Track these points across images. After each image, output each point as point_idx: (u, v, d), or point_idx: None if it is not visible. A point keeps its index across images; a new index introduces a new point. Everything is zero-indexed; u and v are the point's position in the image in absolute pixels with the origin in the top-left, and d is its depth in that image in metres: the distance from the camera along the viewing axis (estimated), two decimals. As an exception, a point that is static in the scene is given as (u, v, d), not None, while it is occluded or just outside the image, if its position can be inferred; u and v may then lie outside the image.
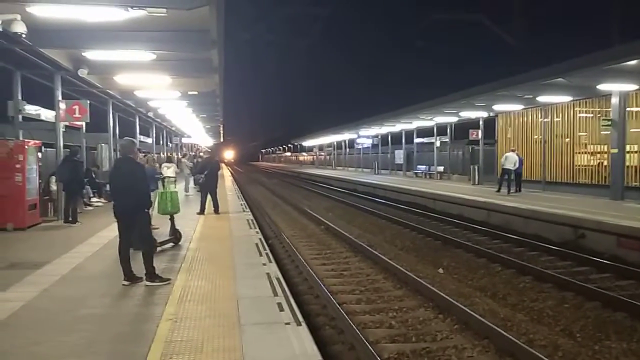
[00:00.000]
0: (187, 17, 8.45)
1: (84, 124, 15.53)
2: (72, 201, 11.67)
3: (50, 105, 13.30)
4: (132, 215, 6.60)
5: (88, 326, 4.95)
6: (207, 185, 14.15)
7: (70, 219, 11.50)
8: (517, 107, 20.72)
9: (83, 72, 11.78)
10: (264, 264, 7.66)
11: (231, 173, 51.70)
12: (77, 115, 12.27)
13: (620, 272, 9.38)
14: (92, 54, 10.33)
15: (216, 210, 14.01)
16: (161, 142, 33.49)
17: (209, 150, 19.25)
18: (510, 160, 18.61)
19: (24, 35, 7.91)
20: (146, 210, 6.88)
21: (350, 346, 6.13)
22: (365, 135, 41.64)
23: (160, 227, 9.99)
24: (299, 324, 4.95)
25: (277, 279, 6.74)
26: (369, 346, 5.85)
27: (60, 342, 4.53)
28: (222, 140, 75.45)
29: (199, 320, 5.07)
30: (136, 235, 6.94)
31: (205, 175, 13.92)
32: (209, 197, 14.20)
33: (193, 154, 23.05)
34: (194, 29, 9.36)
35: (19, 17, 7.73)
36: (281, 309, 5.38)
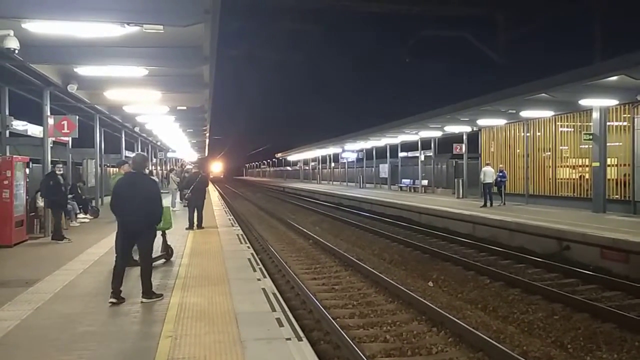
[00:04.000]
0: (181, 33, 8.51)
1: (70, 139, 15.45)
2: (54, 217, 11.49)
3: (36, 120, 13.20)
4: (142, 232, 6.48)
5: (87, 344, 4.90)
6: (194, 200, 14.09)
7: (56, 236, 11.33)
8: (501, 121, 21.12)
9: (72, 88, 11.71)
10: (259, 279, 7.67)
11: (216, 188, 51.40)
12: (65, 130, 12.18)
13: (605, 283, 9.59)
14: (83, 70, 10.29)
15: (199, 225, 13.95)
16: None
17: (197, 164, 19.19)
18: (488, 174, 18.97)
19: (16, 51, 7.88)
20: (155, 226, 6.85)
21: (347, 361, 6.17)
22: (350, 150, 41.92)
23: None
24: (300, 339, 4.97)
25: (274, 294, 6.75)
26: (366, 361, 5.89)
27: (61, 362, 4.49)
28: (207, 154, 75.06)
29: (199, 337, 5.05)
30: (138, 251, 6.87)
31: (191, 190, 13.84)
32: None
33: (180, 168, 22.93)
34: (187, 45, 9.41)
35: (12, 32, 7.71)
36: (281, 325, 5.40)
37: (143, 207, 6.38)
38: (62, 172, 11.52)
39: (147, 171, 7.47)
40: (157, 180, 7.96)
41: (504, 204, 19.23)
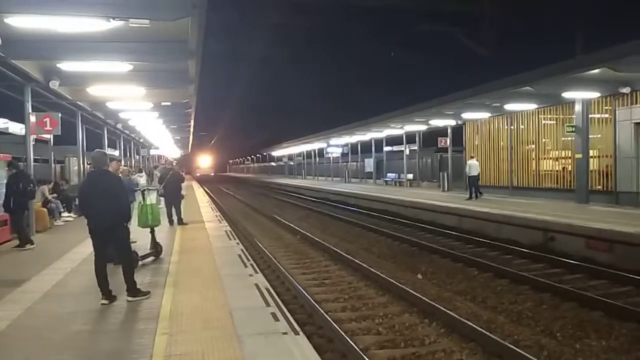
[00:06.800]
0: (167, 27, 8.44)
1: (52, 136, 15.18)
2: (14, 221, 10.57)
3: (17, 117, 12.95)
4: (111, 230, 6.39)
5: (82, 343, 4.85)
6: (168, 197, 13.96)
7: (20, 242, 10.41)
8: (485, 115, 21.32)
9: (54, 84, 11.51)
10: (251, 275, 7.64)
11: (200, 185, 51.00)
12: (48, 127, 11.95)
13: (591, 272, 9.76)
14: (66, 65, 10.11)
15: (179, 222, 13.89)
16: (128, 154, 32.88)
17: (172, 161, 19.05)
18: (473, 167, 19.15)
19: (-2, 47, 7.72)
20: (125, 224, 6.75)
21: (342, 354, 6.19)
22: (335, 145, 41.93)
23: (139, 240, 9.83)
24: (296, 333, 4.97)
25: (267, 289, 6.73)
26: (361, 353, 5.92)
27: (56, 361, 4.43)
28: (190, 151, 74.40)
29: (194, 333, 5.02)
30: (114, 250, 6.79)
31: (163, 186, 13.69)
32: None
33: (163, 165, 22.77)
34: (172, 40, 9.32)
35: (-7, 28, 7.55)
36: (276, 319, 5.39)
37: (108, 205, 6.27)
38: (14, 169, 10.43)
39: (110, 168, 7.31)
40: (119, 176, 7.78)
41: (480, 194, 19.28)
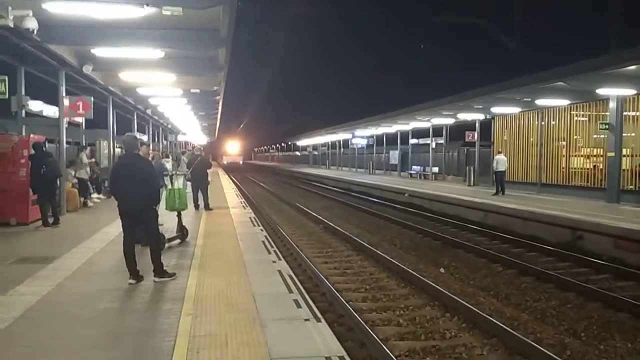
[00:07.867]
0: (198, 15, 8.50)
1: (83, 120, 15.53)
2: (39, 201, 10.72)
3: (51, 100, 13.26)
4: (140, 213, 6.55)
5: (109, 320, 5.00)
6: (195, 182, 14.15)
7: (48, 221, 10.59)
8: (515, 109, 20.92)
9: (88, 69, 11.74)
10: (274, 261, 7.73)
11: (225, 172, 51.51)
12: (80, 111, 12.25)
13: (619, 273, 9.57)
14: (100, 51, 10.30)
15: (206, 207, 14.09)
16: (157, 139, 33.41)
17: (200, 147, 19.23)
18: (500, 162, 18.87)
19: (35, 32, 7.89)
20: (154, 206, 6.89)
21: (361, 343, 6.23)
22: (361, 136, 41.77)
23: (166, 223, 10.02)
24: (318, 320, 5.03)
25: (290, 276, 6.81)
26: (381, 344, 5.95)
27: (84, 336, 4.57)
28: (216, 138, 75.03)
29: (218, 315, 5.12)
30: (142, 232, 6.94)
31: (191, 172, 13.90)
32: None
33: (191, 150, 23.07)
34: (203, 28, 9.40)
35: (31, 13, 7.72)
36: (299, 306, 5.45)
37: (138, 189, 6.40)
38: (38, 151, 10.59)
39: (141, 152, 7.42)
40: (149, 160, 7.88)
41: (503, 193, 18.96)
